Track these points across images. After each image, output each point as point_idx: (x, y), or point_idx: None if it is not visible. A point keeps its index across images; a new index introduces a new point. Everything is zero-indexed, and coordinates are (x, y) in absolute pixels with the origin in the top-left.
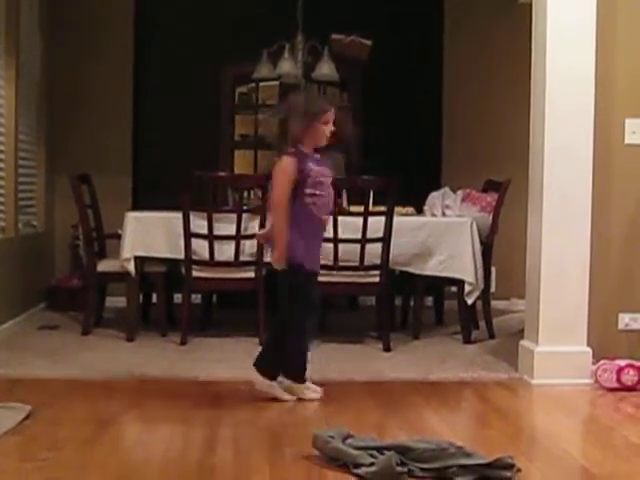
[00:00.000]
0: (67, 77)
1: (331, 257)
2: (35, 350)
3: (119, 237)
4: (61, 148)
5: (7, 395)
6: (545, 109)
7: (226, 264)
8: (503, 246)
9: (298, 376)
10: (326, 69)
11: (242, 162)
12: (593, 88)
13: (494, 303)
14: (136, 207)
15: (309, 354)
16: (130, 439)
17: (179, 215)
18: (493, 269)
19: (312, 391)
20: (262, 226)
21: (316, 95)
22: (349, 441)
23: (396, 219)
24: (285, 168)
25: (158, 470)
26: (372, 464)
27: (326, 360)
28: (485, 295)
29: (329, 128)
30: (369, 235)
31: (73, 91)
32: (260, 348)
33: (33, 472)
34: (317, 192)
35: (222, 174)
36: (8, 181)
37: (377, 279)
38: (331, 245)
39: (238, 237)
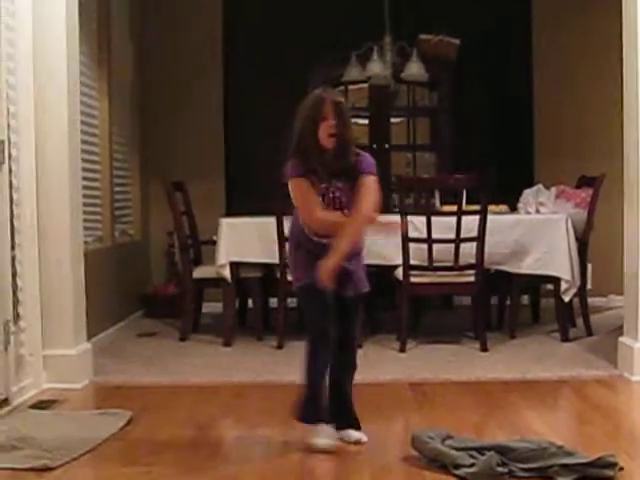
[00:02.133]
0: (158, 85)
1: (426, 257)
2: (134, 357)
3: (214, 243)
4: (154, 156)
5: (108, 401)
6: (639, 102)
7: None
8: (599, 242)
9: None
10: (415, 69)
11: None
12: None
13: (591, 300)
14: (230, 213)
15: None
16: (229, 443)
17: (272, 220)
18: (589, 266)
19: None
20: None
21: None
22: (448, 442)
23: (490, 217)
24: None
25: (258, 474)
26: (472, 465)
27: (423, 360)
28: (582, 292)
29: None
30: (463, 234)
31: (164, 98)
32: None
33: (136, 476)
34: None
35: None
36: (104, 191)
37: (472, 278)
38: (425, 245)
39: None
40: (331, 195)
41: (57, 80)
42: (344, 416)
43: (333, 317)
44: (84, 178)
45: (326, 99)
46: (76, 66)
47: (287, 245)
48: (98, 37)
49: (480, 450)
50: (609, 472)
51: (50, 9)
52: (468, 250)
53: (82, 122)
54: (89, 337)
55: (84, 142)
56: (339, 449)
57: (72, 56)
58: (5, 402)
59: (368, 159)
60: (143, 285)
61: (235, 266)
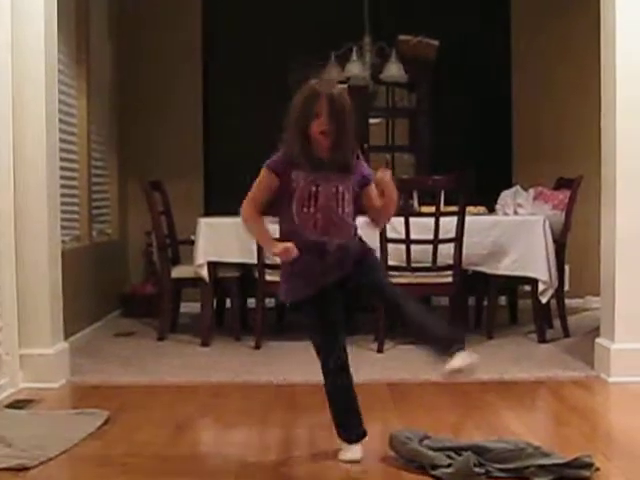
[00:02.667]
0: (137, 84)
1: (404, 258)
2: (112, 357)
3: (192, 243)
4: (133, 156)
5: (85, 401)
6: (616, 102)
7: None
8: (576, 244)
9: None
10: (394, 70)
11: None
12: None
13: (568, 301)
14: (208, 212)
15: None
16: (207, 443)
17: None
18: (567, 267)
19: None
20: None
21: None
22: (426, 442)
23: (468, 219)
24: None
25: (235, 473)
26: (449, 465)
27: (401, 361)
28: (559, 293)
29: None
30: (441, 235)
31: (143, 97)
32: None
33: (112, 477)
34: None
35: None
36: (82, 190)
37: (450, 279)
38: (403, 246)
39: None
40: (333, 190)
41: (35, 78)
42: None
43: (339, 330)
44: (62, 177)
45: (321, 94)
46: (54, 64)
47: None
48: (77, 36)
49: (457, 450)
50: (585, 473)
51: (29, 7)
52: (446, 251)
53: (60, 121)
54: (66, 337)
55: (62, 141)
56: (315, 448)
57: (50, 54)
58: None
59: (366, 167)
60: (121, 285)
61: (213, 266)
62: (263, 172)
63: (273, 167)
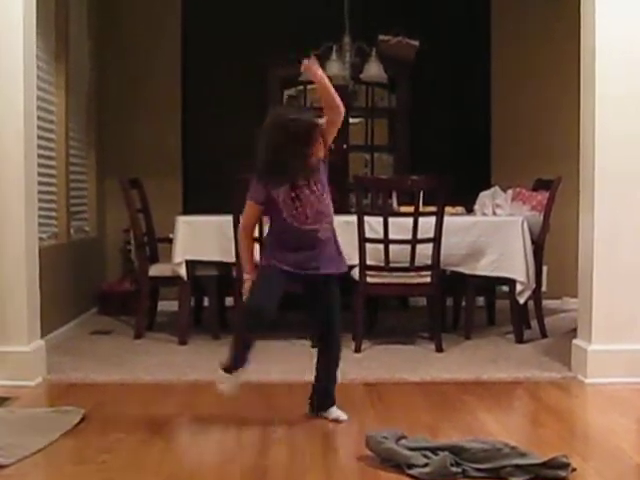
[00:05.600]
0: (116, 82)
1: (382, 258)
2: (88, 355)
3: (170, 241)
4: (111, 153)
5: (62, 399)
6: (595, 105)
7: None
8: (554, 245)
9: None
10: (374, 70)
11: None
12: None
13: (546, 302)
14: (186, 211)
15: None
16: (183, 441)
17: (229, 219)
18: (544, 268)
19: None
20: None
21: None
22: (402, 442)
23: (446, 219)
24: None
25: (212, 472)
26: (426, 465)
27: (378, 361)
28: (537, 294)
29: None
30: (419, 235)
31: (122, 95)
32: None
33: (88, 474)
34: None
35: None
36: (60, 187)
37: (428, 279)
38: (381, 246)
39: None
40: (307, 191)
41: (13, 74)
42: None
43: (276, 300)
44: (40, 174)
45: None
46: (33, 60)
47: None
48: (56, 32)
49: (434, 450)
50: (562, 473)
51: (6, 2)
52: (424, 251)
53: (38, 117)
54: (43, 334)
55: (40, 137)
56: (292, 447)
57: (29, 50)
58: None
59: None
60: (98, 282)
61: (191, 264)
62: (248, 204)
63: (256, 199)
